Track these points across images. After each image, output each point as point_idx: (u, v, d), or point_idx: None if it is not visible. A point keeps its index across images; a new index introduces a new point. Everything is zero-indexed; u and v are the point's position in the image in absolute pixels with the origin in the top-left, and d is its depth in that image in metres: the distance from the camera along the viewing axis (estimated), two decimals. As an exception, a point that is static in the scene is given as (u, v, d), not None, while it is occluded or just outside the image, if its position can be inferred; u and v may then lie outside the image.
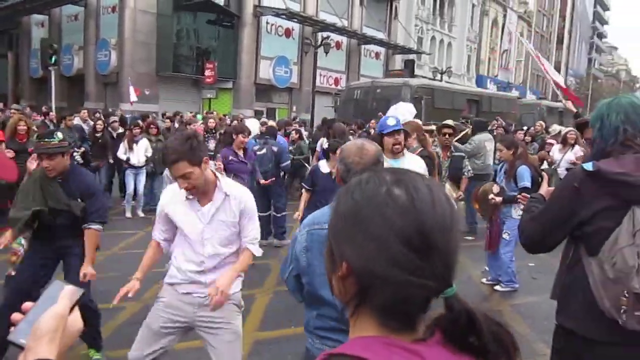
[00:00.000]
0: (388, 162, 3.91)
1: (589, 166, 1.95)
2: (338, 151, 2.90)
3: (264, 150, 7.31)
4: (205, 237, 2.70)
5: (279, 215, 7.48)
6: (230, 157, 6.54)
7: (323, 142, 8.59)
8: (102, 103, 21.68)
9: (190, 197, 2.68)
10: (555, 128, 10.92)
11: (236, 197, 2.73)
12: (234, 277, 2.73)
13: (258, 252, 2.89)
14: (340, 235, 0.80)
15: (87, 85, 22.56)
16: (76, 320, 0.88)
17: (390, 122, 4.05)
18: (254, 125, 8.29)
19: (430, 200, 0.77)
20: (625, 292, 1.83)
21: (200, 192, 2.67)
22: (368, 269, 0.75)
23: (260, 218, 7.27)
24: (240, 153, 6.66)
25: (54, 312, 0.83)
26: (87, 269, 3.50)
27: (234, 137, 6.77)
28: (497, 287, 5.74)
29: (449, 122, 6.46)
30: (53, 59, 15.71)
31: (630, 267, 1.82)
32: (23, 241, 5.07)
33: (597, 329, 1.92)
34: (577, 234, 2.01)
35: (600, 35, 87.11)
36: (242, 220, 2.77)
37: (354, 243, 0.77)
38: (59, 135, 3.56)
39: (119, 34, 20.83)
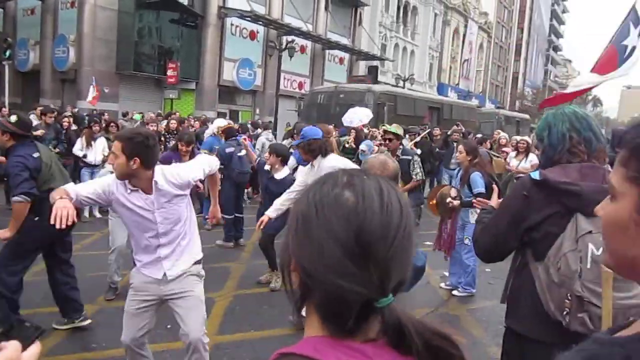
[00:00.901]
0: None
1: (536, 175, 2.04)
2: (363, 163, 3.20)
3: (243, 152, 7.23)
4: (158, 220, 2.97)
5: (241, 216, 7.49)
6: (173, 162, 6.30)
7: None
8: (58, 100, 21.01)
9: (134, 188, 2.92)
10: (502, 136, 11.28)
11: (162, 179, 2.95)
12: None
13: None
14: (292, 232, 0.82)
15: (43, 82, 21.83)
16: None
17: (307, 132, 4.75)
18: (222, 125, 8.20)
19: (378, 207, 0.78)
20: (569, 295, 1.91)
21: (139, 185, 2.92)
22: (306, 269, 0.78)
23: (227, 221, 7.23)
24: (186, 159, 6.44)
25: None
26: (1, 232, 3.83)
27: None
28: (455, 292, 5.84)
29: (391, 128, 6.39)
30: (7, 53, 15.19)
31: (573, 271, 1.90)
32: None
33: (544, 330, 1.99)
34: (525, 239, 2.09)
35: (556, 48, 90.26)
36: (185, 179, 3.03)
37: (300, 242, 0.79)
38: (12, 118, 3.94)
39: (78, 30, 20.25)
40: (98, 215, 8.57)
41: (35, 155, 3.93)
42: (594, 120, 2.12)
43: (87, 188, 2.96)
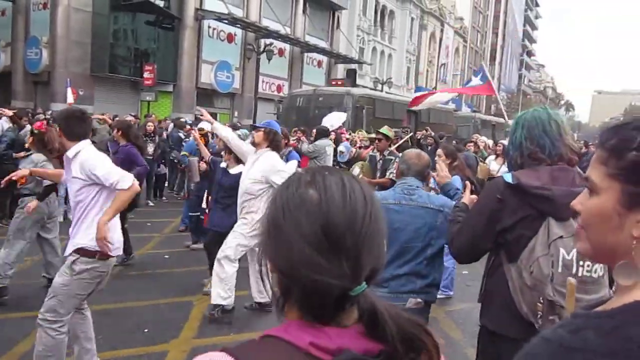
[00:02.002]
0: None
1: (509, 178, 2.05)
2: (401, 154, 3.43)
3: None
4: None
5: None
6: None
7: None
8: (31, 102, 20.57)
9: None
10: (482, 140, 11.44)
11: (76, 159, 3.20)
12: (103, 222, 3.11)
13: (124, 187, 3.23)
14: (265, 236, 0.85)
15: (14, 84, 21.37)
16: None
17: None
18: (208, 128, 8.10)
19: (340, 199, 0.81)
20: (541, 298, 1.94)
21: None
22: (282, 269, 0.82)
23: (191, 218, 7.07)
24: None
25: None
26: None
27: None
28: None
29: (383, 130, 6.74)
30: (-23, 54, 14.82)
31: (545, 275, 1.93)
32: None
33: (517, 328, 2.01)
34: (499, 240, 2.11)
35: (529, 53, 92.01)
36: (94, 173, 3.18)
37: (273, 244, 0.83)
38: None
39: (51, 32, 19.87)
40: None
41: None
42: (555, 122, 2.10)
43: None
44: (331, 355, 0.76)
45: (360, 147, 9.09)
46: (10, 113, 8.28)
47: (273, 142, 4.76)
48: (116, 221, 3.30)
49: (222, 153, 5.92)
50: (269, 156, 4.71)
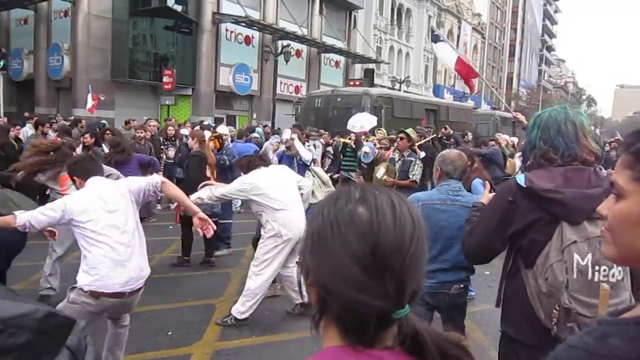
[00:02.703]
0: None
1: (521, 180, 2.01)
2: (438, 156, 3.57)
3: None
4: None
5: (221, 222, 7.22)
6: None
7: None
8: (54, 108, 20.97)
9: None
10: (503, 138, 11.33)
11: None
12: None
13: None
14: (308, 249, 0.84)
15: (37, 90, 21.79)
16: None
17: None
18: (225, 131, 8.19)
19: (391, 220, 0.80)
20: (557, 305, 1.90)
21: None
22: (325, 284, 0.80)
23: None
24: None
25: None
26: None
27: None
28: None
29: (408, 130, 6.69)
30: (1, 63, 15.15)
31: (560, 282, 1.89)
32: None
33: (537, 335, 1.98)
34: (514, 245, 2.09)
35: (549, 48, 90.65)
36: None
37: (317, 259, 0.82)
38: None
39: (72, 39, 20.23)
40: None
41: None
42: (572, 123, 2.06)
43: None
44: None
45: (381, 148, 9.03)
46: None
47: (243, 166, 4.96)
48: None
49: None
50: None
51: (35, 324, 0.72)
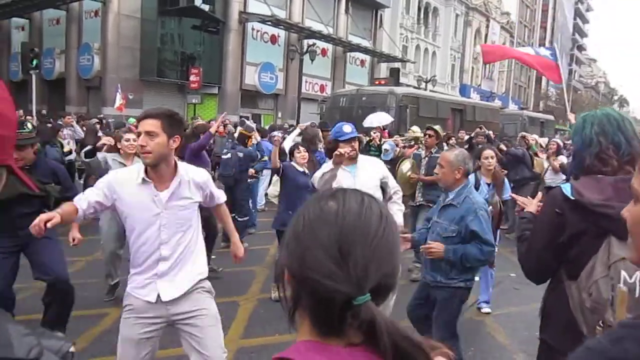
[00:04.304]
0: (344, 169, 4.11)
1: (568, 190, 1.93)
2: (455, 155, 3.52)
3: (228, 155, 7.32)
4: (162, 223, 2.58)
5: (239, 219, 7.23)
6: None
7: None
8: (84, 107, 21.43)
9: (148, 180, 2.56)
10: (533, 137, 11.18)
11: (189, 178, 2.68)
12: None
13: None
14: (285, 246, 0.90)
15: (68, 89, 22.29)
16: None
17: (347, 129, 4.15)
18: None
19: (356, 213, 0.86)
20: (601, 322, 1.84)
21: (157, 175, 2.58)
22: (294, 273, 0.86)
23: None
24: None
25: None
26: (75, 234, 3.77)
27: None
28: (486, 309, 5.45)
29: (435, 126, 6.66)
30: (34, 62, 15.48)
31: (604, 299, 1.82)
32: None
33: (577, 344, 1.92)
34: (561, 257, 2.02)
35: (580, 48, 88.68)
36: (205, 191, 2.79)
37: (290, 252, 0.88)
38: (29, 125, 3.74)
39: (102, 39, 20.63)
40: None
41: None
42: (629, 122, 1.99)
43: (93, 192, 2.60)
44: None
45: (404, 147, 8.99)
46: None
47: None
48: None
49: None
50: (366, 160, 4.43)
51: None
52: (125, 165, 4.73)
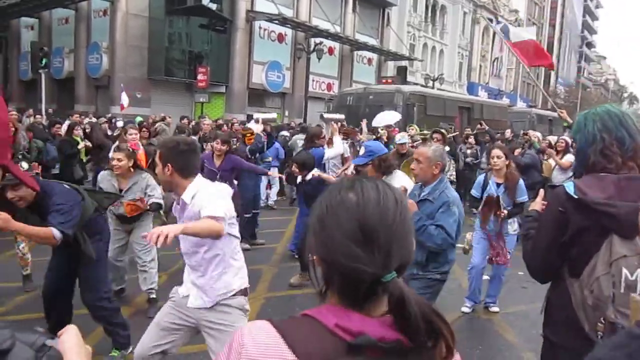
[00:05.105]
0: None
1: (570, 189, 1.94)
2: (433, 150, 3.58)
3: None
4: (180, 237, 2.63)
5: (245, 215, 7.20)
6: (205, 163, 6.27)
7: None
8: (92, 106, 21.55)
9: (177, 199, 2.77)
10: (537, 135, 11.11)
11: (190, 196, 2.69)
12: (186, 229, 2.45)
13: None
14: (312, 232, 1.00)
15: (77, 88, 22.43)
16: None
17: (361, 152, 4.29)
18: (257, 129, 8.24)
19: (375, 201, 0.96)
20: (603, 318, 1.85)
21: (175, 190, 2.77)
22: (324, 258, 0.97)
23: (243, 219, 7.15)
24: (217, 161, 6.37)
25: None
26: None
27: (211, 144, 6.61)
28: (495, 308, 5.41)
29: (442, 130, 6.71)
30: (44, 61, 15.61)
31: (606, 296, 1.83)
32: (22, 245, 5.16)
33: (579, 340, 1.94)
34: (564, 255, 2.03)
35: (589, 45, 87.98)
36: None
37: (318, 238, 0.98)
38: (24, 165, 3.59)
39: (111, 38, 20.74)
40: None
41: None
42: (630, 117, 1.99)
43: None
44: (353, 336, 0.89)
45: (412, 146, 8.99)
46: None
47: (388, 167, 4.27)
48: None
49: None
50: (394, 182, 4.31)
51: None
52: (115, 184, 4.72)
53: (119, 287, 5.21)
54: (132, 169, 4.70)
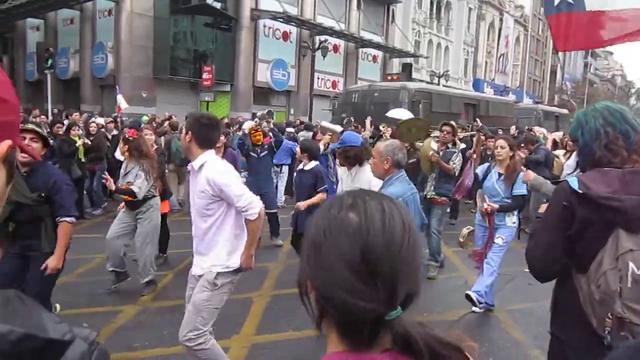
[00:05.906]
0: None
1: (575, 184, 1.93)
2: (385, 145, 3.56)
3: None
4: (192, 203, 3.20)
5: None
6: None
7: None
8: (98, 106, 21.63)
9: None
10: (542, 131, 11.07)
11: (205, 173, 3.05)
12: (250, 249, 3.20)
13: (253, 216, 3.12)
14: (305, 257, 0.87)
15: (83, 89, 22.51)
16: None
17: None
18: (248, 125, 8.23)
19: (379, 225, 0.82)
20: (610, 314, 1.84)
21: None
22: (320, 290, 0.83)
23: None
24: (218, 155, 6.57)
25: None
26: (52, 262, 3.46)
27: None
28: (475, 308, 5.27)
29: (452, 122, 6.75)
30: (49, 62, 15.68)
31: (612, 291, 1.82)
32: None
33: (586, 338, 1.92)
34: (569, 251, 2.01)
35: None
36: (223, 191, 3.05)
37: (313, 265, 0.85)
38: (31, 125, 3.70)
39: (116, 37, 20.80)
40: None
41: None
42: (630, 113, 2.00)
43: None
44: None
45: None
46: None
47: (350, 157, 4.67)
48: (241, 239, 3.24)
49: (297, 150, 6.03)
50: (362, 173, 4.61)
51: (6, 347, 0.63)
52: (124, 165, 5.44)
53: (112, 269, 5.21)
54: (133, 155, 5.24)
